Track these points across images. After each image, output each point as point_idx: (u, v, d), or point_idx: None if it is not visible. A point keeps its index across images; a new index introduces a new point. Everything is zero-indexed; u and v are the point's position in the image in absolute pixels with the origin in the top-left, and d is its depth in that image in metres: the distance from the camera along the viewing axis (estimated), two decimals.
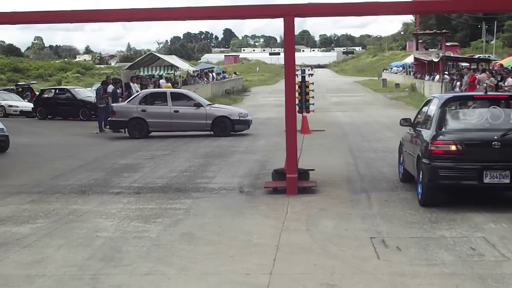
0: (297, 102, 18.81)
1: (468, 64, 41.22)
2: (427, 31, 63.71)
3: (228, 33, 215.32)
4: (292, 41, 11.44)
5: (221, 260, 7.03)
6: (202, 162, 15.08)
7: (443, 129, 9.39)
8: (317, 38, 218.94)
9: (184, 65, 46.53)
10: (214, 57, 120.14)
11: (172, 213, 9.54)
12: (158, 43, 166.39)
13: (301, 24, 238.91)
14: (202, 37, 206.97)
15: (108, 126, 22.64)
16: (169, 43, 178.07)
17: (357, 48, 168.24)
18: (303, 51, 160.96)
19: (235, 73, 70.02)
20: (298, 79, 21.17)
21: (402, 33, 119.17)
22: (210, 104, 22.57)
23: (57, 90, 32.27)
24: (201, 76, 48.60)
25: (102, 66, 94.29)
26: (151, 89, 26.49)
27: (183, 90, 26.80)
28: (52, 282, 6.39)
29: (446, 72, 37.43)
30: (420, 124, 10.52)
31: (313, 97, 22.63)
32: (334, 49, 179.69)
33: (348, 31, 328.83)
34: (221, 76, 56.32)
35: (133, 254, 7.33)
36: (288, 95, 11.32)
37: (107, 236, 8.21)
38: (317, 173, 12.05)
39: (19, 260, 7.18)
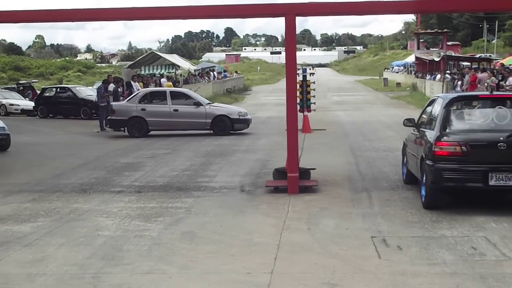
0: (298, 101, 18.86)
1: (469, 64, 41.21)
2: (428, 31, 63.73)
3: (229, 32, 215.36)
4: (293, 40, 11.43)
5: (222, 259, 7.03)
6: (203, 161, 15.08)
7: (447, 130, 9.16)
8: (318, 37, 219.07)
9: (185, 64, 46.49)
10: (215, 56, 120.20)
11: (173, 212, 9.54)
12: (160, 42, 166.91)
13: (302, 23, 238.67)
14: (203, 36, 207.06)
15: (108, 125, 22.65)
16: (170, 42, 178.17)
17: (358, 47, 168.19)
18: (304, 50, 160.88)
19: (236, 72, 69.96)
20: (299, 78, 21.18)
21: (403, 32, 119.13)
22: (210, 103, 22.58)
23: (58, 89, 32.26)
24: (202, 75, 48.59)
25: (103, 65, 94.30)
26: (150, 88, 26.47)
27: (182, 89, 26.81)
28: (53, 281, 6.39)
29: (448, 71, 37.40)
30: (424, 125, 10.31)
31: (314, 96, 22.62)
32: (335, 48, 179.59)
33: (349, 30, 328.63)
34: (222, 75, 56.30)
35: (134, 253, 7.33)
36: (289, 94, 11.31)
37: (108, 235, 8.21)
38: (318, 172, 12.04)
39: (20, 259, 7.19)
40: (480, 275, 6.27)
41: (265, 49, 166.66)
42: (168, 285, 6.25)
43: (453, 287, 5.96)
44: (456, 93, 21.67)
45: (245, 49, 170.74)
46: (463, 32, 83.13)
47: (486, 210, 8.96)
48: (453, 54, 47.37)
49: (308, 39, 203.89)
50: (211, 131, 21.27)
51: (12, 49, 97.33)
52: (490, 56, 51.86)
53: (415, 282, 6.10)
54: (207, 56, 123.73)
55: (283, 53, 12.18)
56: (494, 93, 10.77)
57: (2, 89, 38.63)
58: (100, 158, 16.26)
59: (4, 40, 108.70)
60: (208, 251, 7.36)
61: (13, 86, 41.73)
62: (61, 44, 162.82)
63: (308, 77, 22.57)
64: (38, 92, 34.85)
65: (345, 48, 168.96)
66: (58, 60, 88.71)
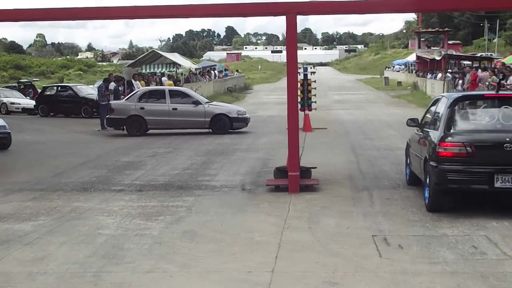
0: (299, 100, 18.84)
1: (470, 63, 41.20)
2: (429, 29, 63.67)
3: (230, 30, 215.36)
4: (294, 39, 11.42)
5: (223, 257, 7.03)
6: (204, 160, 15.08)
7: (451, 130, 8.90)
8: (319, 36, 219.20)
9: (186, 63, 46.51)
10: (216, 55, 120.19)
11: (174, 211, 9.54)
12: (160, 41, 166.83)
13: (303, 22, 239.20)
14: (204, 34, 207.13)
15: (107, 124, 22.61)
16: (171, 41, 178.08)
17: (359, 46, 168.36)
18: (305, 49, 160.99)
19: (237, 70, 69.98)
20: (300, 77, 21.17)
21: (404, 31, 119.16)
22: (209, 102, 22.61)
23: (59, 88, 32.28)
24: (203, 74, 48.59)
25: (104, 63, 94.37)
26: (149, 87, 26.46)
27: (181, 88, 26.81)
28: (53, 280, 6.40)
29: (449, 70, 37.39)
30: (427, 125, 10.04)
31: (315, 95, 22.61)
32: (336, 47, 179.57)
33: (351, 29, 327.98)
34: (223, 74, 56.32)
35: (135, 251, 7.33)
36: (290, 93, 11.30)
37: (109, 233, 8.21)
38: (319, 171, 12.04)
39: (21, 258, 7.19)
40: (481, 274, 6.27)
41: (266, 48, 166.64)
42: (169, 284, 6.25)
43: (454, 286, 5.95)
44: (458, 92, 21.67)
45: (246, 48, 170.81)
46: (464, 31, 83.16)
47: (487, 209, 8.94)
48: (454, 53, 47.32)
49: (309, 38, 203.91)
50: (210, 130, 21.27)
51: (13, 47, 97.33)
52: (491, 55, 51.93)
53: (416, 281, 6.10)
54: (208, 54, 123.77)
55: (284, 52, 12.19)
56: (500, 92, 10.53)
57: (3, 87, 38.68)
58: (101, 156, 16.26)
59: (5, 39, 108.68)
60: (209, 250, 7.36)
61: (14, 84, 41.74)
62: (62, 43, 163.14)
63: (309, 76, 22.57)
64: (39, 90, 34.85)
65: (346, 47, 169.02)
66: (59, 58, 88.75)
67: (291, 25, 11.11)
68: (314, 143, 17.58)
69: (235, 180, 12.22)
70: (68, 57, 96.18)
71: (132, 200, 10.48)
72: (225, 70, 61.40)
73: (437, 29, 61.35)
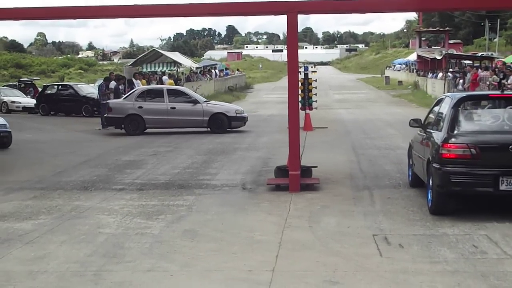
0: (300, 99, 18.85)
1: (471, 62, 41.17)
2: (430, 29, 63.71)
3: (231, 29, 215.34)
4: (295, 38, 11.42)
5: (223, 256, 7.03)
6: (205, 159, 15.08)
7: (455, 131, 8.63)
8: (320, 35, 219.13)
9: (187, 62, 46.47)
10: (217, 54, 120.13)
11: (174, 210, 9.54)
12: (161, 40, 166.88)
13: (304, 21, 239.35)
14: (205, 33, 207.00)
15: (105, 123, 22.59)
16: (172, 40, 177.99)
17: (360, 46, 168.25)
18: (306, 48, 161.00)
19: (238, 70, 69.96)
20: (301, 76, 21.17)
21: (405, 30, 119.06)
22: (207, 101, 22.64)
23: (60, 86, 32.28)
24: (204, 73, 48.59)
25: (104, 62, 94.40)
26: (147, 86, 26.44)
27: (179, 87, 26.81)
28: (54, 278, 6.39)
29: (450, 70, 37.37)
30: (430, 125, 9.78)
31: (316, 94, 22.60)
32: (337, 46, 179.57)
33: (351, 28, 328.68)
34: (224, 73, 56.30)
35: (136, 250, 7.33)
36: (291, 92, 11.30)
37: (110, 232, 8.21)
38: (320, 170, 12.04)
39: (22, 256, 7.19)
40: (481, 273, 6.27)
41: (267, 47, 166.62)
42: (170, 283, 6.25)
43: (455, 285, 5.95)
44: (459, 91, 21.62)
45: (246, 47, 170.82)
46: (465, 31, 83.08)
47: (487, 209, 8.93)
48: (454, 52, 47.30)
49: (310, 37, 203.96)
50: (208, 129, 21.27)
51: (14, 46, 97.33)
52: (491, 54, 51.84)
53: (417, 280, 6.09)
54: (209, 54, 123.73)
55: (285, 51, 12.24)
56: (506, 92, 10.33)
57: (3, 86, 38.68)
58: (101, 155, 16.26)
59: (6, 38, 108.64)
60: (209, 249, 7.35)
61: (14, 83, 41.77)
62: (62, 42, 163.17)
63: (309, 75, 22.57)
64: (40, 89, 34.87)
65: (347, 46, 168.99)
66: (60, 57, 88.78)
67: (292, 24, 11.11)
68: (315, 142, 17.57)
69: (235, 179, 12.22)
70: (68, 56, 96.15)
71: (133, 199, 10.48)
72: (226, 69, 61.33)
73: (438, 28, 61.38)
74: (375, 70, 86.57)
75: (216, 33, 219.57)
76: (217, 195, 10.70)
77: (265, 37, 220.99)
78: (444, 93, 26.07)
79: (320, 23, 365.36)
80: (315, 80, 22.69)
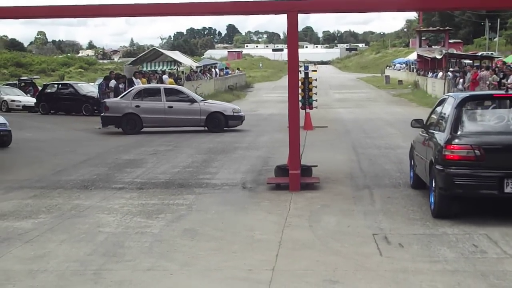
0: (300, 98, 18.83)
1: (471, 61, 41.17)
2: (430, 28, 63.64)
3: (232, 29, 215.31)
4: (295, 37, 11.41)
5: (223, 256, 7.03)
6: (205, 158, 15.08)
7: (459, 132, 8.40)
8: (320, 35, 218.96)
9: (187, 61, 46.45)
10: (217, 53, 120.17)
11: (174, 209, 9.54)
12: (161, 39, 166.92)
13: (304, 20, 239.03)
14: (205, 32, 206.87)
15: (101, 122, 22.53)
16: (172, 39, 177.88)
17: (360, 45, 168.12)
18: (306, 47, 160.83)
19: (238, 69, 69.92)
20: (301, 75, 21.17)
21: (405, 30, 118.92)
22: (204, 100, 22.67)
23: (60, 85, 32.23)
24: (204, 72, 48.58)
25: (105, 61, 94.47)
26: (144, 85, 26.41)
27: (177, 86, 26.80)
28: (54, 277, 6.39)
29: (451, 69, 37.37)
30: (433, 126, 9.55)
31: (316, 94, 22.60)
32: (337, 46, 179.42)
33: (352, 27, 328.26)
34: (224, 72, 56.29)
35: (136, 249, 7.33)
36: (291, 91, 11.30)
37: (110, 231, 8.21)
38: (320, 169, 12.04)
39: (21, 255, 7.19)
40: (481, 272, 6.27)
41: (267, 46, 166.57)
42: (169, 282, 6.25)
43: (454, 285, 5.95)
44: (459, 91, 21.60)
45: (247, 46, 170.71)
46: (465, 30, 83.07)
47: (487, 208, 8.92)
48: (455, 52, 47.28)
49: (310, 36, 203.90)
50: (206, 128, 21.26)
51: (14, 45, 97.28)
52: (492, 54, 51.81)
53: (417, 280, 6.09)
54: (209, 53, 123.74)
55: (285, 50, 12.21)
56: (510, 92, 10.18)
57: (3, 85, 38.67)
58: (101, 154, 16.26)
59: (6, 36, 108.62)
60: (209, 248, 7.35)
61: (14, 82, 41.73)
62: (63, 41, 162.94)
63: (310, 75, 22.57)
64: (40, 88, 34.84)
65: (347, 46, 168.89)
66: (60, 56, 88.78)
67: (292, 23, 11.11)
68: (315, 142, 17.57)
69: (235, 178, 12.22)
70: (69, 54, 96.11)
71: (133, 198, 10.48)
72: (226, 68, 61.34)
73: (438, 28, 61.33)
74: (375, 70, 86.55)
75: (217, 32, 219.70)
76: (217, 194, 10.70)
77: (265, 36, 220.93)
78: (444, 92, 26.09)
79: (321, 22, 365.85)
80: (315, 79, 22.67)
